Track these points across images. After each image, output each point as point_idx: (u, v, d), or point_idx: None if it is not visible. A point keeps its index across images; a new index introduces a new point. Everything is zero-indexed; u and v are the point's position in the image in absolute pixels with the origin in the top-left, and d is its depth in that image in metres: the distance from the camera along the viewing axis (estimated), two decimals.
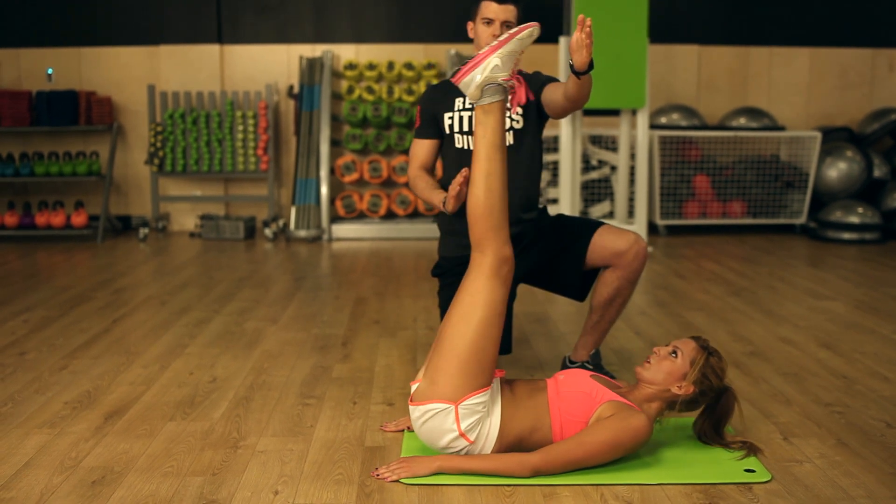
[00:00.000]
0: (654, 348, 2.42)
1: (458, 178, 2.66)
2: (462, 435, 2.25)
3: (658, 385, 2.35)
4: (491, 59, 2.31)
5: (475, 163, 2.37)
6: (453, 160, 2.97)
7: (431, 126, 3.00)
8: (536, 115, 2.90)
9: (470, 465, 2.24)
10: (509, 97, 2.38)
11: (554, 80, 2.86)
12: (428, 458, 2.28)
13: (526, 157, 2.92)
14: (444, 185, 3.04)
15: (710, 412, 2.42)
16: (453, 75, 2.35)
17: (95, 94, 6.86)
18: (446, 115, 2.95)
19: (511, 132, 2.90)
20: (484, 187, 2.35)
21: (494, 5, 2.83)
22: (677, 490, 2.19)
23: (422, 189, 2.96)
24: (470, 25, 2.91)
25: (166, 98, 6.86)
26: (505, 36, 2.35)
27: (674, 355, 2.36)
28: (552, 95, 2.76)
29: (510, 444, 2.31)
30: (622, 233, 2.87)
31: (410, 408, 2.32)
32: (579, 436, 2.25)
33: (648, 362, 2.38)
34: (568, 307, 4.22)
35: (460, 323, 2.28)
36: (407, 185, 6.93)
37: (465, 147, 2.93)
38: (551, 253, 2.91)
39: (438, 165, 3.02)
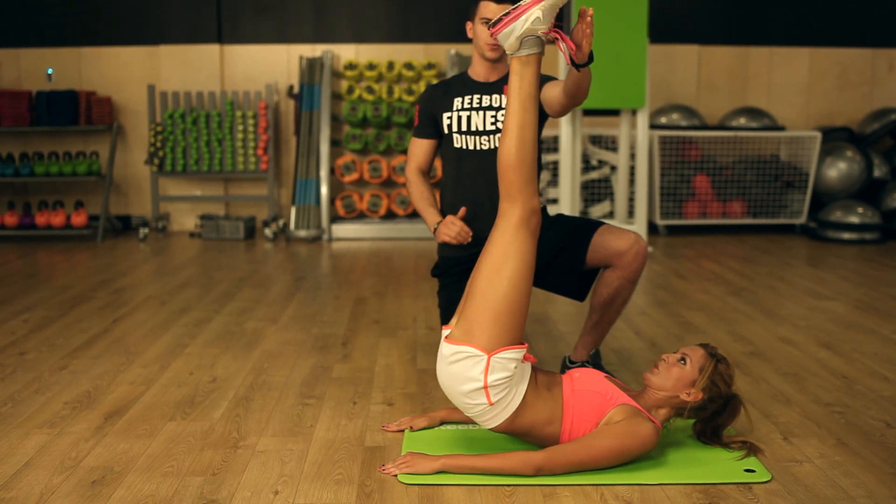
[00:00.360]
0: (662, 355, 2.42)
1: (457, 227, 2.79)
2: (485, 388, 2.22)
3: (667, 391, 2.36)
4: (533, 10, 2.28)
5: (509, 114, 2.35)
6: (452, 159, 2.97)
7: (430, 125, 3.00)
8: None
9: (474, 464, 2.24)
10: (568, 49, 2.34)
11: (552, 78, 2.86)
12: (433, 456, 2.28)
13: None
14: (443, 184, 3.05)
15: (715, 417, 2.43)
16: (493, 25, 2.33)
17: (95, 94, 6.86)
18: (445, 115, 2.95)
19: None
20: (517, 138, 2.34)
21: (493, 5, 2.83)
22: (677, 490, 2.19)
23: (416, 199, 3.01)
24: (469, 25, 2.91)
25: (166, 98, 6.86)
26: None
27: (682, 362, 2.37)
28: (551, 93, 2.76)
29: (520, 428, 2.30)
30: (622, 233, 2.87)
31: (443, 345, 2.29)
32: (586, 438, 2.25)
33: (657, 368, 2.38)
34: (568, 307, 4.22)
35: (492, 275, 2.26)
36: (406, 185, 6.94)
37: (464, 147, 2.93)
38: (551, 253, 2.91)
39: (437, 165, 3.02)
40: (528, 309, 2.30)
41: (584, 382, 2.36)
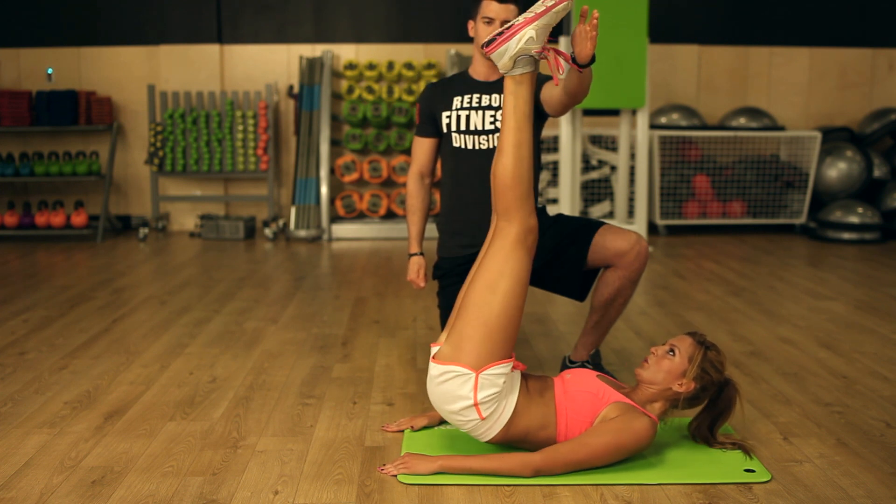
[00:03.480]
0: (651, 348, 2.42)
1: (413, 275, 3.04)
2: (475, 405, 2.23)
3: (658, 385, 2.34)
4: (526, 30, 2.29)
5: (505, 132, 2.37)
6: (450, 158, 2.98)
7: (430, 124, 3.01)
8: (535, 114, 2.90)
9: (472, 465, 2.24)
10: (558, 67, 2.36)
11: (551, 77, 2.86)
12: (431, 456, 2.28)
13: None
14: (442, 183, 3.05)
15: (711, 407, 2.42)
16: (487, 45, 2.34)
17: (95, 93, 6.86)
18: (444, 114, 2.95)
19: None
20: (514, 156, 2.34)
21: (495, 4, 2.83)
22: (677, 490, 2.19)
23: (407, 213, 3.12)
24: (471, 24, 2.91)
25: (166, 98, 6.86)
26: (541, 8, 2.33)
27: (671, 353, 2.36)
28: (551, 92, 2.76)
29: (516, 436, 2.30)
30: (623, 233, 2.87)
31: (431, 365, 2.30)
32: (582, 437, 2.25)
33: (647, 362, 2.38)
34: (568, 307, 4.21)
35: (486, 292, 2.27)
36: (406, 185, 6.93)
37: (462, 146, 2.93)
38: (552, 253, 2.91)
39: (437, 165, 3.03)
40: (519, 325, 2.31)
41: (575, 384, 2.35)
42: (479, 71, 2.97)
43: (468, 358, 2.24)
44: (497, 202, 2.36)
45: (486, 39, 2.34)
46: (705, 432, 2.44)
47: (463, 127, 2.91)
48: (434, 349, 2.34)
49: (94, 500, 2.12)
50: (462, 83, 2.99)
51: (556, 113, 2.83)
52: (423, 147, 3.04)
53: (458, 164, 2.96)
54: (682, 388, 2.33)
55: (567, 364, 3.07)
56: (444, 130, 2.96)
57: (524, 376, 2.39)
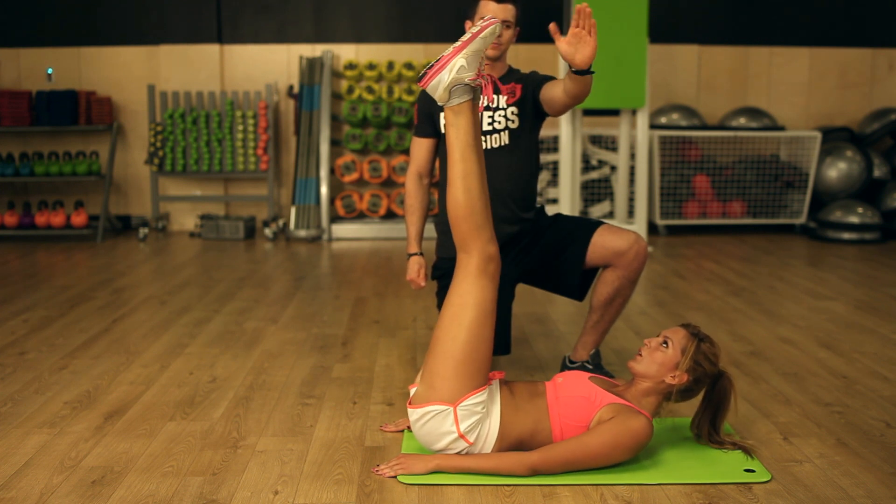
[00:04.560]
0: (644, 340, 2.41)
1: (413, 274, 3.01)
2: (461, 436, 2.25)
3: (652, 377, 2.33)
4: (456, 60, 2.30)
5: (451, 165, 2.36)
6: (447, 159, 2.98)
7: (428, 125, 3.01)
8: (533, 114, 2.90)
9: (468, 464, 2.24)
10: (487, 96, 2.36)
11: (551, 78, 2.86)
12: (426, 456, 2.28)
13: (522, 157, 2.92)
14: (440, 184, 3.05)
15: (707, 401, 2.41)
16: (420, 79, 2.34)
17: (95, 93, 6.86)
18: (441, 115, 2.95)
19: (507, 132, 2.89)
20: (462, 188, 2.34)
21: (493, 5, 2.83)
22: (677, 490, 2.19)
23: (406, 214, 3.09)
24: (468, 24, 2.91)
25: (166, 98, 6.86)
26: (468, 36, 2.34)
27: (664, 345, 2.34)
28: (551, 92, 2.76)
29: (510, 445, 2.31)
30: (622, 232, 2.87)
31: (409, 410, 2.32)
32: (580, 437, 2.25)
33: (640, 355, 2.36)
34: (568, 307, 4.21)
35: (452, 325, 2.28)
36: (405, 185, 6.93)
37: None
38: (551, 253, 2.91)
39: (436, 165, 3.03)
40: (490, 352, 2.31)
41: (567, 388, 2.35)
42: None
43: (442, 394, 2.25)
44: (454, 235, 2.36)
45: (420, 73, 2.34)
46: (708, 430, 2.42)
47: None
48: (412, 390, 2.35)
49: (94, 500, 2.12)
50: None
51: (556, 112, 2.83)
52: (421, 147, 3.04)
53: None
54: (675, 380, 2.31)
55: (567, 364, 3.08)
56: (442, 131, 2.96)
57: (505, 384, 2.39)
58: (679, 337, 2.35)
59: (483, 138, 2.89)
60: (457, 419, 2.24)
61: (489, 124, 2.90)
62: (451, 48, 2.32)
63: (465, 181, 2.34)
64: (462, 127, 2.34)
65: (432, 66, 2.32)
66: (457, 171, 2.35)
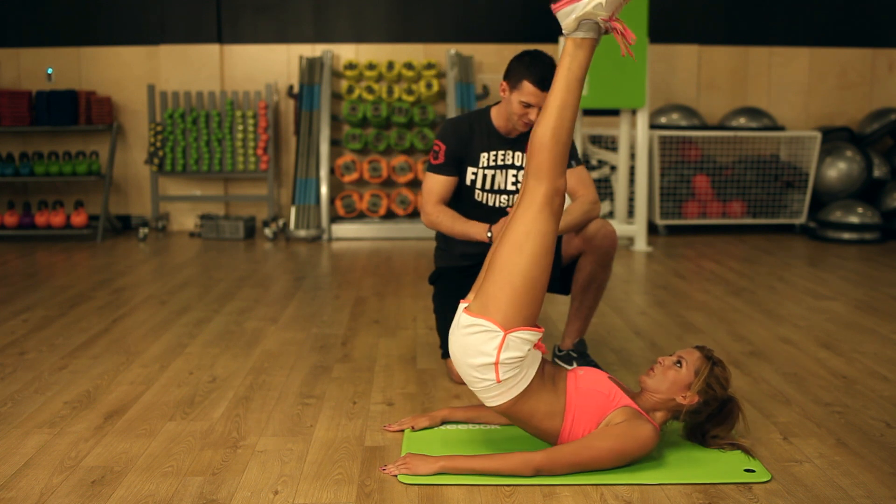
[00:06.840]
0: (658, 358, 2.42)
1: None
2: (496, 364, 2.21)
3: (662, 394, 2.35)
4: None
5: (553, 94, 2.29)
6: (470, 208, 3.02)
7: (455, 165, 2.99)
8: None
9: (473, 465, 2.24)
10: (624, 37, 2.27)
11: (576, 162, 2.98)
12: (432, 457, 2.28)
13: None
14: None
15: (709, 417, 2.43)
16: (555, 1, 2.26)
17: (95, 93, 6.86)
18: (470, 170, 2.99)
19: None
20: (557, 118, 2.28)
21: (538, 91, 2.79)
22: (677, 490, 2.19)
23: (450, 222, 2.95)
24: (504, 86, 2.88)
25: (166, 98, 6.86)
26: None
27: (678, 365, 2.36)
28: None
29: (520, 414, 2.29)
30: None
31: (462, 315, 2.29)
32: (586, 439, 2.25)
33: (653, 371, 2.38)
34: (567, 307, 4.21)
35: (513, 252, 2.24)
36: (406, 185, 6.93)
37: (483, 202, 3.02)
38: None
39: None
40: (545, 289, 2.28)
41: (587, 381, 2.36)
42: (500, 122, 2.98)
43: (497, 316, 2.22)
44: (531, 161, 2.31)
45: None
46: (698, 438, 2.45)
47: (488, 186, 3.01)
48: (464, 304, 2.33)
49: (94, 500, 2.12)
50: (486, 134, 2.99)
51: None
52: (443, 184, 3.00)
53: (470, 210, 3.03)
54: (685, 400, 2.34)
55: (556, 353, 3.17)
56: (469, 185, 3.02)
57: (543, 360, 2.39)
58: (693, 358, 2.37)
59: (506, 196, 3.02)
60: (501, 346, 2.21)
61: (513, 183, 3.00)
62: None
63: (562, 111, 2.28)
64: (578, 61, 2.27)
65: None
66: (557, 101, 2.28)
